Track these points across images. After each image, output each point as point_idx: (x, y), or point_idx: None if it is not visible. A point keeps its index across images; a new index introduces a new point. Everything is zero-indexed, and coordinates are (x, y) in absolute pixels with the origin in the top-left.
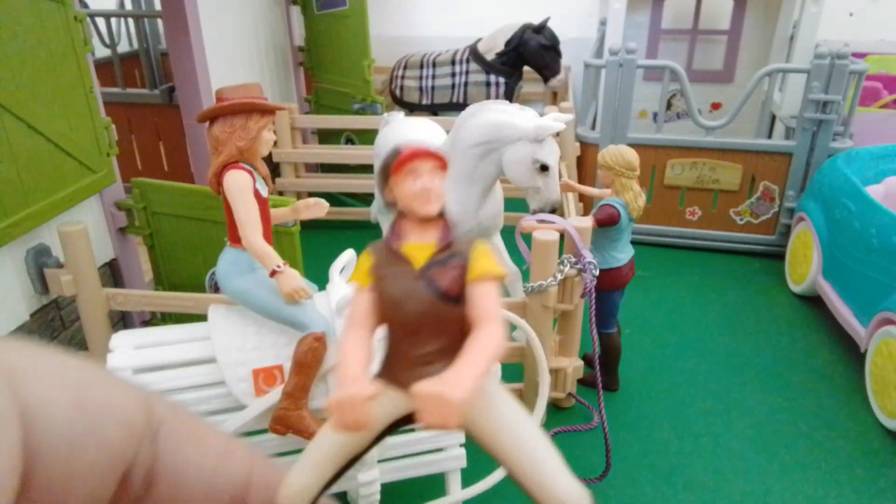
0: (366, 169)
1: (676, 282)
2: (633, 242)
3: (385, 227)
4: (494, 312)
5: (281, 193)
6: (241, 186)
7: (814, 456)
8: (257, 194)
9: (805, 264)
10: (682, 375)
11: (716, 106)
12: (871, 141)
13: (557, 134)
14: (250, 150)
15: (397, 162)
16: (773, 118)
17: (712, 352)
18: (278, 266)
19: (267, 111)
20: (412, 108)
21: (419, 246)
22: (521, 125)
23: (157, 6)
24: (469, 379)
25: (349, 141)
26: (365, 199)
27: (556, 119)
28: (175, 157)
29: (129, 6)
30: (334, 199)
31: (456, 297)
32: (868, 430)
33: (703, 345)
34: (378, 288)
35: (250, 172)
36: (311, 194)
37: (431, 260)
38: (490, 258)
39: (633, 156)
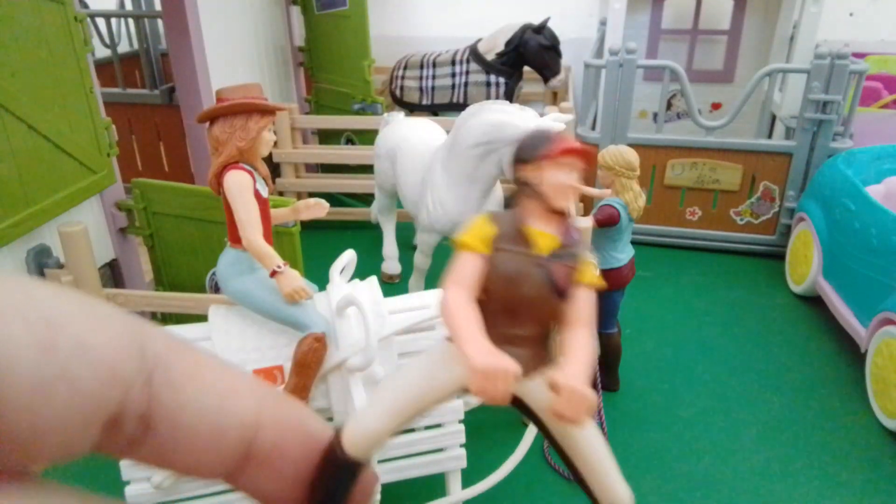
0: (366, 169)
1: (677, 282)
2: (634, 242)
3: (387, 227)
4: (593, 318)
5: (281, 194)
6: (241, 187)
7: (814, 456)
8: (257, 194)
9: (805, 264)
10: (682, 375)
11: (716, 106)
12: (871, 141)
13: None
14: (250, 150)
15: (557, 150)
16: (774, 118)
17: (713, 352)
18: (278, 266)
19: (267, 111)
20: (412, 109)
21: (543, 234)
22: (522, 125)
23: (158, 6)
24: (586, 378)
25: (349, 141)
26: (365, 199)
27: (556, 119)
28: (175, 158)
29: (129, 6)
30: (334, 199)
31: (563, 293)
32: (868, 430)
33: (703, 345)
34: (495, 259)
35: (250, 173)
36: (311, 194)
37: (554, 252)
38: (595, 269)
39: (633, 156)
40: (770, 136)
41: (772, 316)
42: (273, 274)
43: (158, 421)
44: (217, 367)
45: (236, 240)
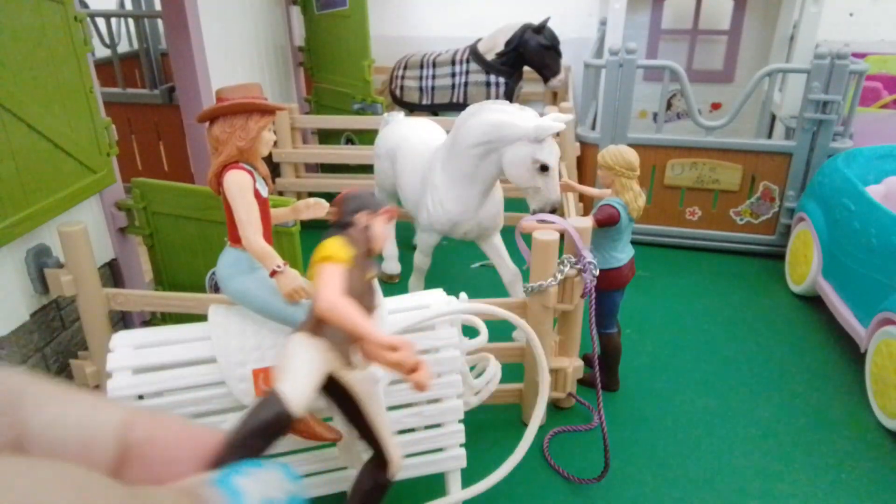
0: (366, 169)
1: (676, 282)
2: (634, 242)
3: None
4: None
5: (281, 193)
6: (241, 186)
7: (813, 456)
8: (257, 194)
9: (805, 264)
10: (681, 375)
11: (716, 106)
12: (871, 141)
13: (557, 134)
14: (250, 150)
15: (386, 211)
16: (774, 118)
17: (712, 352)
18: (278, 266)
19: (267, 111)
20: (412, 108)
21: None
22: (522, 125)
23: (158, 6)
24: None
25: (349, 141)
26: None
27: (556, 119)
28: (175, 157)
29: (128, 6)
30: (334, 199)
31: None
32: (868, 429)
33: (703, 345)
34: (353, 272)
35: (250, 172)
36: (311, 194)
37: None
38: (324, 249)
39: (633, 156)
40: (770, 135)
41: (772, 316)
42: (273, 274)
43: (32, 440)
44: (79, 391)
45: (236, 239)
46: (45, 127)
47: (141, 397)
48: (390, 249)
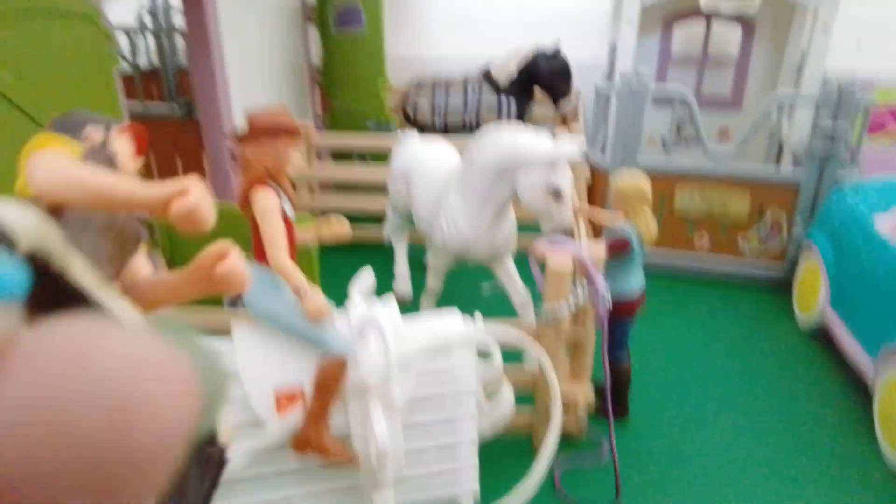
0: (379, 189)
1: (685, 310)
2: (643, 268)
3: (399, 247)
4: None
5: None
6: (269, 207)
7: (820, 491)
8: (283, 215)
9: (813, 294)
10: (690, 407)
11: (724, 132)
12: (877, 171)
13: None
14: (277, 170)
15: (127, 128)
16: (781, 145)
17: (720, 384)
18: (303, 286)
19: (293, 133)
20: (424, 129)
21: None
22: (537, 149)
23: (178, 23)
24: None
25: (362, 159)
26: (378, 218)
27: (570, 145)
28: (192, 172)
29: (146, 22)
30: (347, 217)
31: None
32: (877, 466)
33: (711, 376)
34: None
35: (277, 192)
36: (324, 212)
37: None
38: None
39: (645, 183)
40: (778, 162)
41: (779, 346)
42: (297, 293)
43: None
44: None
45: (261, 256)
46: None
47: None
48: (402, 270)
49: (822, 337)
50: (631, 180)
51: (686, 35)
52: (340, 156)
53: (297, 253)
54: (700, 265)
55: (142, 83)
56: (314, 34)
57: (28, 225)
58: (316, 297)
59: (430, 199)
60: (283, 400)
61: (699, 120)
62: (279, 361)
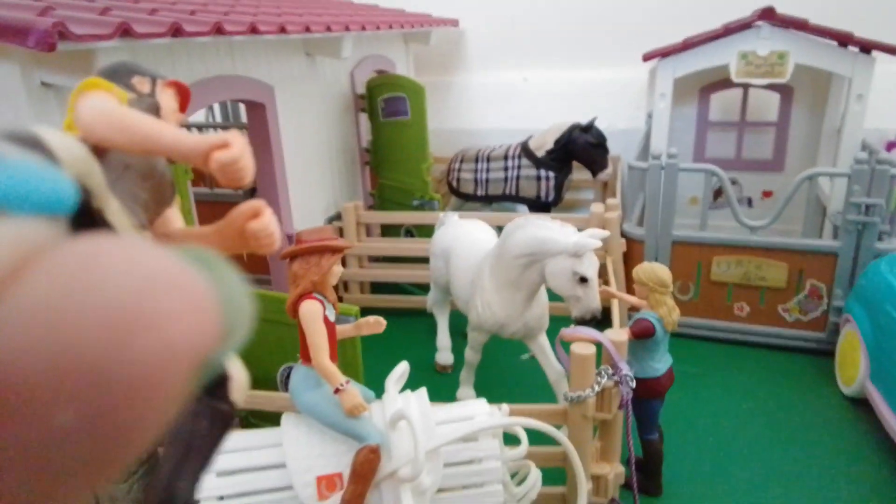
0: (423, 260)
1: (725, 378)
2: (682, 336)
3: (440, 319)
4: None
5: (346, 285)
6: (313, 316)
7: None
8: (326, 320)
9: (854, 366)
10: (726, 481)
11: (767, 194)
12: None
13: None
14: (322, 282)
15: (173, 83)
16: (824, 209)
17: (758, 456)
18: (341, 385)
19: (337, 251)
20: (468, 199)
21: None
22: (562, 241)
23: (244, 117)
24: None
25: (409, 233)
26: (423, 287)
27: (592, 236)
28: (255, 254)
29: (217, 114)
30: (394, 287)
31: None
32: None
33: (749, 448)
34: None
35: (321, 302)
36: (372, 285)
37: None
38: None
39: (665, 273)
40: (821, 228)
41: (820, 418)
42: (337, 391)
43: None
44: None
45: (307, 357)
46: None
47: (221, 498)
48: (444, 341)
49: (864, 408)
50: (650, 270)
51: (724, 101)
52: (388, 230)
53: (342, 343)
54: (740, 333)
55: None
56: (364, 121)
57: (74, 153)
58: (352, 394)
59: (466, 280)
60: (325, 486)
61: (731, 193)
62: (320, 450)
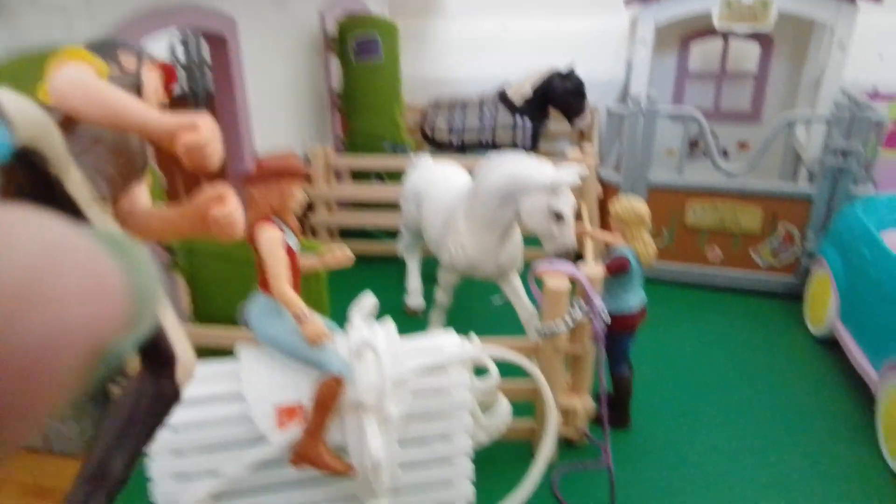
0: (394, 206)
1: (697, 321)
2: (655, 281)
3: (411, 263)
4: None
5: (314, 229)
6: (272, 242)
7: (822, 496)
8: (287, 247)
9: (823, 307)
10: (695, 416)
11: (743, 146)
12: (894, 184)
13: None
14: (282, 208)
15: (160, 65)
16: (799, 157)
17: (727, 393)
18: (303, 313)
19: (297, 175)
20: (442, 148)
21: None
22: (538, 177)
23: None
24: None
25: (379, 178)
26: (393, 233)
27: (570, 172)
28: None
29: (179, 53)
30: (364, 232)
31: None
32: (879, 475)
33: (718, 386)
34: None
35: (281, 228)
36: (342, 231)
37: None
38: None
39: (643, 208)
40: (795, 174)
41: (789, 358)
42: (298, 320)
43: None
44: None
45: (265, 286)
46: None
47: (175, 429)
48: (414, 285)
49: (832, 348)
50: (628, 205)
51: (704, 51)
52: (359, 175)
53: (306, 278)
54: (712, 277)
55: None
56: (335, 63)
57: (27, 115)
58: (314, 323)
59: (438, 221)
60: (284, 415)
61: (710, 140)
62: (280, 380)
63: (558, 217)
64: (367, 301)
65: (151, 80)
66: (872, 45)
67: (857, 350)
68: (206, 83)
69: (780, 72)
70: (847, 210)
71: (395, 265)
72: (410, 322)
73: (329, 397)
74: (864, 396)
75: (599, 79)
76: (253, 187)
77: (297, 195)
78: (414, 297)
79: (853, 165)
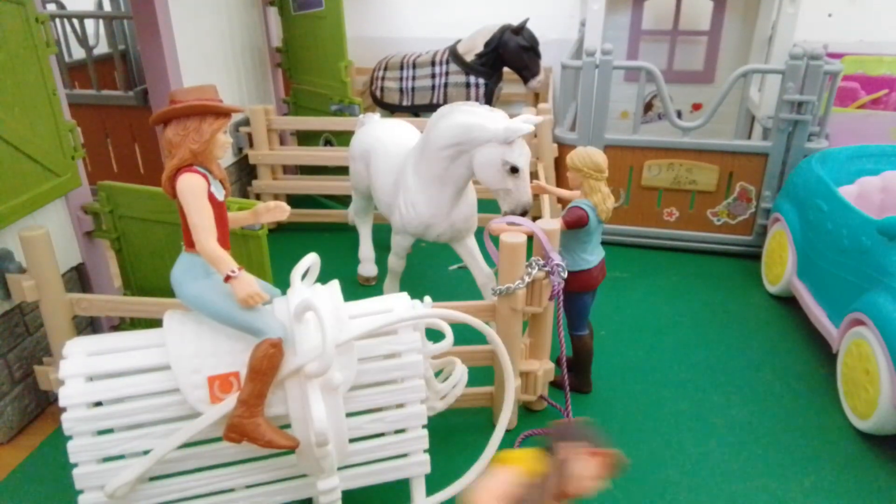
0: (343, 170)
1: (654, 283)
2: (611, 243)
3: (363, 229)
4: None
5: (258, 196)
6: (194, 190)
7: (786, 458)
8: (212, 198)
9: (781, 265)
10: (655, 377)
11: (696, 106)
12: (847, 141)
13: (535, 135)
14: (204, 153)
15: (595, 452)
16: (753, 118)
17: (687, 353)
18: (232, 271)
19: (221, 113)
20: (393, 109)
21: None
22: (491, 127)
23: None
24: None
25: (328, 142)
26: (343, 200)
27: (525, 121)
28: (151, 160)
29: (108, 8)
30: (312, 200)
31: None
32: (840, 431)
33: (678, 346)
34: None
35: (205, 176)
36: (288, 197)
37: None
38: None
39: (601, 158)
40: (749, 136)
41: (747, 317)
42: (227, 279)
43: None
44: None
45: (191, 244)
46: (5, 130)
47: (98, 403)
48: (366, 252)
49: (790, 306)
50: (585, 154)
51: (657, 10)
52: (305, 139)
53: (245, 237)
54: (669, 239)
55: (100, 70)
56: (274, 15)
57: None
58: (246, 281)
59: (389, 181)
60: (218, 388)
61: (666, 95)
62: (212, 348)
63: (513, 170)
64: (307, 259)
65: (577, 466)
66: (822, 4)
67: (816, 306)
68: (136, 42)
69: (733, 30)
70: (803, 164)
71: (347, 233)
72: (364, 291)
73: (265, 363)
74: (821, 351)
75: (554, 38)
76: (167, 127)
77: (223, 139)
78: (366, 265)
79: (808, 120)
